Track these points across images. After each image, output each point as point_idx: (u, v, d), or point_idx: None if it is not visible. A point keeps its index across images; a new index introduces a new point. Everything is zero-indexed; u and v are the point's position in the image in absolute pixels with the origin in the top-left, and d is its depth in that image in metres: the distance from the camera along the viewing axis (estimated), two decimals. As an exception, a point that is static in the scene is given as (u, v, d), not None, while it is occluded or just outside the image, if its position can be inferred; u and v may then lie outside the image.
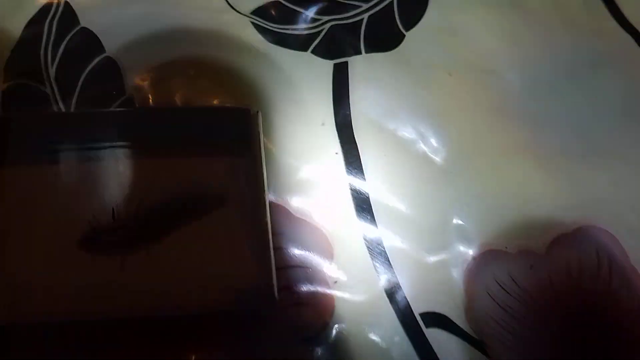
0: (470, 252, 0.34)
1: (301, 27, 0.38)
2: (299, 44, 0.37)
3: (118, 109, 0.33)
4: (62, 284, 0.30)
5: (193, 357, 0.30)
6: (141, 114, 0.31)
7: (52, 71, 0.36)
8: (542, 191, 0.35)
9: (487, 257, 0.33)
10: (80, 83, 0.36)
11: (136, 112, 0.32)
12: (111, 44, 0.36)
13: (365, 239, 0.33)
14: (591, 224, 0.35)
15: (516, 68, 0.39)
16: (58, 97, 0.35)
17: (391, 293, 0.32)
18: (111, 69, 0.36)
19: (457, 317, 0.32)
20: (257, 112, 0.32)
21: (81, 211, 0.32)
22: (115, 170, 0.33)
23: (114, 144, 0.34)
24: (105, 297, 0.30)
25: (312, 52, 0.38)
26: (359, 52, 0.38)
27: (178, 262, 0.32)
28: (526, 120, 0.37)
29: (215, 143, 0.34)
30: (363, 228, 0.33)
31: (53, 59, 0.36)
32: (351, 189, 0.34)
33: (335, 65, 0.38)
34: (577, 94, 0.38)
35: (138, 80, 0.36)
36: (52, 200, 0.32)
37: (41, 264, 0.30)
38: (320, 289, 0.32)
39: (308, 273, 0.32)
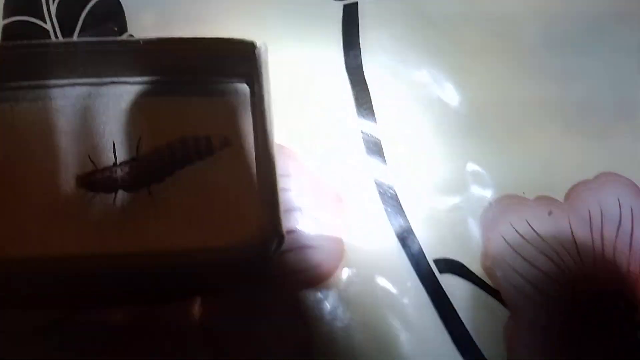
0: (487, 197, 0.32)
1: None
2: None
3: (119, 38, 0.32)
4: (60, 219, 0.29)
5: (199, 299, 0.28)
6: (144, 44, 0.30)
7: (53, 7, 0.34)
8: (563, 140, 0.34)
9: (504, 203, 0.32)
10: (81, 20, 0.34)
11: (138, 42, 0.30)
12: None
13: (376, 183, 0.32)
14: (613, 172, 0.33)
15: (536, 19, 0.37)
16: (59, 34, 0.34)
17: (403, 238, 0.31)
18: (113, 6, 0.34)
19: (472, 263, 0.30)
20: (264, 45, 0.30)
21: (81, 147, 0.31)
22: (116, 107, 0.32)
23: (115, 79, 0.32)
24: (104, 234, 0.29)
25: (321, -6, 0.36)
26: (371, -6, 0.36)
27: (181, 202, 0.30)
28: (547, 72, 0.36)
29: (220, 79, 0.33)
30: (374, 171, 0.32)
31: (53, -5, 0.35)
32: (362, 132, 0.33)
33: (345, 6, 0.36)
34: (598, 48, 0.37)
35: (140, 17, 0.34)
36: (51, 136, 0.31)
37: (41, 198, 0.29)
38: (328, 232, 0.30)
39: (315, 216, 0.31)
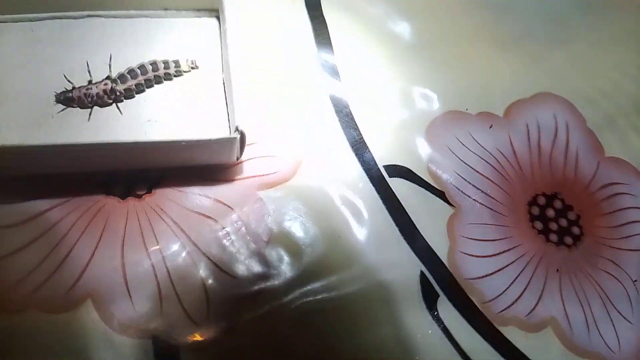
0: (432, 113, 0.35)
1: None
2: None
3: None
4: (39, 131, 0.31)
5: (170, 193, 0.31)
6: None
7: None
8: (501, 63, 0.37)
9: (448, 117, 0.35)
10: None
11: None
12: None
13: (332, 101, 0.35)
14: (548, 92, 0.37)
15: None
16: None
17: (356, 147, 0.34)
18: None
19: (419, 169, 0.33)
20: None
21: (60, 70, 0.33)
22: (92, 36, 0.35)
23: (92, 12, 0.35)
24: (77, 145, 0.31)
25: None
26: None
27: (153, 115, 0.33)
28: (489, 4, 0.39)
29: (190, 12, 0.36)
30: (330, 92, 0.35)
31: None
32: (320, 58, 0.36)
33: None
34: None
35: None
36: (32, 62, 0.33)
37: (23, 112, 0.32)
38: (288, 143, 0.33)
39: (277, 130, 0.34)
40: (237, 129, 0.29)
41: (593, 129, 0.36)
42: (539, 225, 0.33)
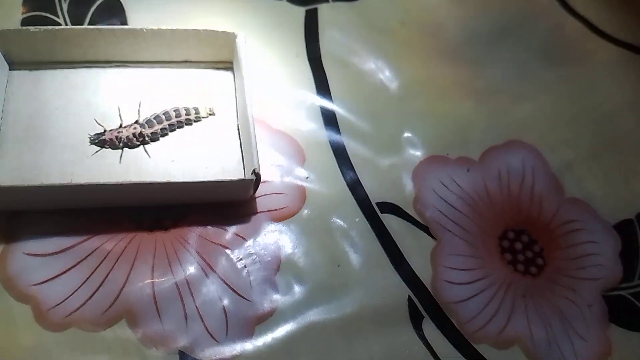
0: (418, 157, 0.41)
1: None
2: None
3: (126, 26, 0.40)
4: (76, 168, 0.36)
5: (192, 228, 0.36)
6: (139, 32, 0.38)
7: (65, 5, 0.42)
8: (477, 113, 0.43)
9: (431, 161, 0.41)
10: (88, 16, 0.42)
11: (142, 30, 0.38)
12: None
13: (332, 146, 0.40)
14: (518, 139, 0.43)
15: (458, 22, 0.47)
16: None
17: (353, 187, 0.39)
18: (116, 5, 0.43)
19: (407, 206, 0.39)
20: (244, 35, 0.39)
21: (92, 113, 0.38)
22: (122, 84, 0.40)
23: (120, 63, 0.40)
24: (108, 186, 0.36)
25: (288, 0, 0.45)
26: (327, 1, 0.46)
27: (176, 156, 0.38)
28: (467, 62, 0.45)
29: (207, 64, 0.41)
30: (330, 138, 0.40)
31: (66, -4, 0.43)
32: (320, 107, 0.41)
33: (306, 11, 0.45)
34: (507, 44, 0.47)
35: (139, 15, 0.42)
36: (68, 105, 0.38)
37: (59, 156, 0.36)
38: (294, 182, 0.39)
39: (285, 170, 0.39)
40: (253, 172, 0.34)
41: (555, 173, 0.42)
42: (508, 256, 0.39)
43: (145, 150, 0.36)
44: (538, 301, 0.38)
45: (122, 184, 0.33)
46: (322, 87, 0.42)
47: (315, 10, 0.44)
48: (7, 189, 0.32)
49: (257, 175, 0.34)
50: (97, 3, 0.42)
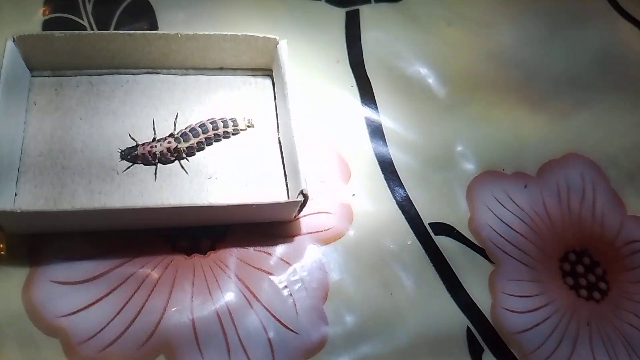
0: (472, 172, 0.38)
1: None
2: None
3: (158, 31, 0.36)
4: (106, 186, 0.33)
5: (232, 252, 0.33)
6: (176, 37, 0.35)
7: (89, 7, 0.39)
8: (533, 124, 0.40)
9: (486, 177, 0.38)
10: (115, 18, 0.39)
11: (173, 36, 0.35)
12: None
13: (378, 160, 0.37)
14: (575, 152, 0.40)
15: (508, 21, 0.44)
16: (95, 30, 0.38)
17: (403, 205, 0.36)
18: (144, 6, 0.39)
19: (461, 226, 0.36)
20: (285, 41, 0.35)
21: (122, 125, 0.35)
22: (152, 92, 0.37)
23: (151, 70, 0.37)
24: (145, 200, 0.33)
25: (326, 1, 0.42)
26: (368, 2, 0.42)
27: (214, 172, 0.35)
28: (519, 65, 0.42)
29: (244, 71, 0.38)
30: (376, 151, 0.37)
31: (90, -4, 0.39)
32: (365, 118, 0.38)
33: (347, 12, 0.42)
34: (559, 45, 0.43)
35: (169, 17, 0.39)
36: (94, 116, 0.35)
37: (88, 168, 0.33)
38: (340, 200, 0.35)
39: (329, 187, 0.36)
40: (301, 192, 0.31)
41: (615, 189, 0.39)
42: (570, 281, 0.36)
43: (182, 166, 0.34)
44: (603, 329, 0.35)
45: (161, 208, 0.30)
46: (366, 94, 0.39)
47: (357, 11, 0.41)
48: (30, 214, 0.28)
49: (305, 196, 0.31)
50: (125, 4, 0.38)
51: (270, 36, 0.35)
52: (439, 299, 0.33)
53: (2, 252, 0.31)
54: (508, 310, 0.34)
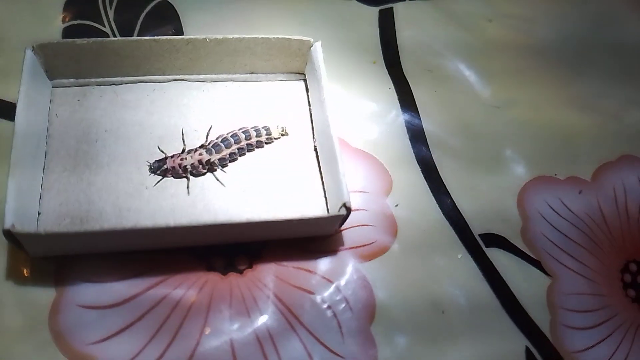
0: (522, 177, 0.35)
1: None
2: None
3: (185, 36, 0.34)
4: (134, 202, 0.31)
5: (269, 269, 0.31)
6: (204, 42, 0.32)
7: (111, 12, 0.37)
8: (583, 123, 0.37)
9: (538, 183, 0.35)
10: (139, 24, 0.37)
11: (201, 40, 0.33)
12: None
13: (421, 167, 0.34)
14: (632, 154, 0.37)
15: (551, 16, 0.41)
16: (118, 37, 0.36)
17: (450, 215, 0.33)
18: (168, 10, 0.37)
19: (514, 237, 0.33)
20: (319, 43, 0.33)
21: (149, 136, 0.33)
22: (179, 101, 0.34)
23: (177, 77, 0.35)
24: (176, 215, 0.31)
25: (358, -1, 0.40)
26: (402, -1, 0.40)
27: (247, 184, 0.32)
28: (565, 62, 0.39)
29: (276, 76, 0.36)
30: (419, 157, 0.35)
31: (111, 2, 0.37)
32: (405, 121, 0.36)
33: (380, 11, 0.39)
34: (607, 40, 0.41)
35: (194, 20, 0.37)
36: (119, 127, 0.33)
37: (114, 182, 0.31)
38: (382, 211, 0.33)
39: (370, 197, 0.33)
40: (344, 206, 0.29)
41: (675, 192, 0.36)
42: (631, 293, 0.33)
43: (217, 179, 0.31)
44: (669, 345, 0.32)
45: (197, 227, 0.27)
46: (406, 97, 0.36)
47: (391, 9, 0.39)
48: (56, 236, 0.26)
49: (348, 209, 0.28)
50: (148, 8, 0.36)
51: (304, 38, 0.33)
52: (494, 317, 0.31)
53: (26, 276, 0.29)
54: (569, 327, 0.31)
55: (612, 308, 0.32)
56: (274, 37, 0.33)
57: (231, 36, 0.33)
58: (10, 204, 0.26)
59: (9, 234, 0.26)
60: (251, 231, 0.29)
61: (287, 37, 0.33)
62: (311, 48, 0.33)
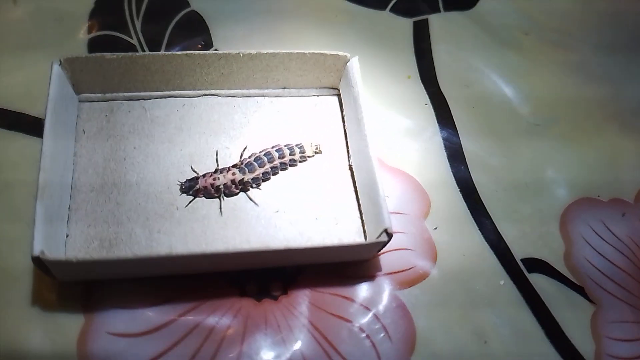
0: (564, 199, 0.34)
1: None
2: (377, 2, 0.38)
3: (217, 51, 0.33)
4: (165, 223, 0.29)
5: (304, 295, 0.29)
6: (237, 57, 0.31)
7: (138, 23, 0.35)
8: (626, 141, 0.36)
9: (581, 205, 0.34)
10: (167, 35, 0.35)
11: (234, 55, 0.32)
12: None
13: (460, 187, 0.33)
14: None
15: (591, 30, 0.39)
16: (145, 49, 0.35)
17: (491, 239, 0.32)
18: (197, 21, 0.36)
19: (557, 262, 0.32)
20: (356, 58, 0.32)
21: (179, 154, 0.32)
22: (210, 117, 0.33)
23: (207, 92, 0.33)
24: (208, 237, 0.30)
25: (391, 10, 0.38)
26: (438, 11, 0.38)
27: (281, 205, 0.31)
28: (605, 78, 0.38)
29: (310, 91, 0.34)
30: (457, 177, 0.33)
31: (138, 12, 0.36)
32: (443, 139, 0.34)
33: (414, 22, 0.38)
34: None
35: (224, 31, 0.35)
36: (148, 144, 0.32)
37: (144, 202, 0.30)
38: (421, 234, 0.32)
39: (408, 220, 0.32)
40: (385, 232, 0.28)
41: None
42: (678, 321, 0.32)
43: (251, 199, 0.30)
44: None
45: (234, 253, 0.26)
46: (443, 113, 0.35)
47: (425, 21, 0.37)
48: (87, 263, 0.25)
49: (390, 235, 0.27)
50: (177, 18, 0.35)
51: (341, 54, 0.32)
52: (537, 346, 0.29)
53: (54, 301, 0.27)
54: (614, 357, 0.30)
55: (659, 337, 0.31)
56: (309, 53, 0.32)
57: (265, 51, 0.31)
58: (38, 228, 0.25)
59: (38, 261, 0.25)
60: (287, 256, 0.28)
61: (322, 52, 0.32)
62: (347, 64, 0.32)
